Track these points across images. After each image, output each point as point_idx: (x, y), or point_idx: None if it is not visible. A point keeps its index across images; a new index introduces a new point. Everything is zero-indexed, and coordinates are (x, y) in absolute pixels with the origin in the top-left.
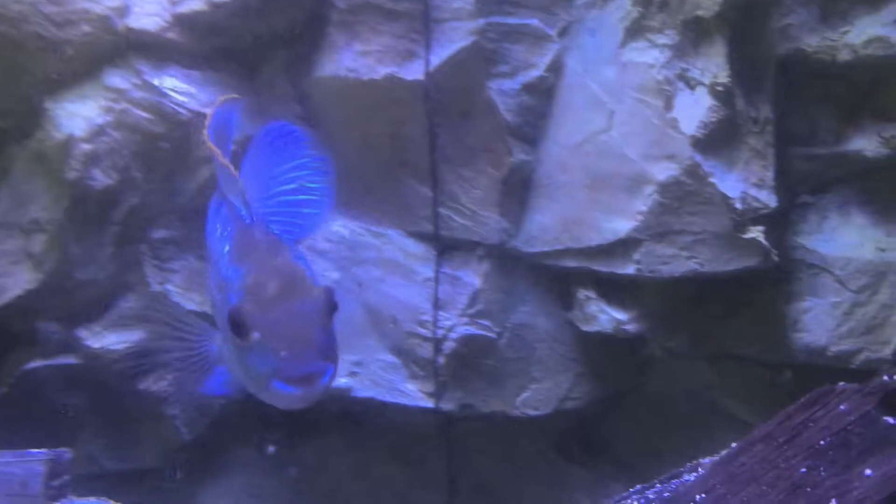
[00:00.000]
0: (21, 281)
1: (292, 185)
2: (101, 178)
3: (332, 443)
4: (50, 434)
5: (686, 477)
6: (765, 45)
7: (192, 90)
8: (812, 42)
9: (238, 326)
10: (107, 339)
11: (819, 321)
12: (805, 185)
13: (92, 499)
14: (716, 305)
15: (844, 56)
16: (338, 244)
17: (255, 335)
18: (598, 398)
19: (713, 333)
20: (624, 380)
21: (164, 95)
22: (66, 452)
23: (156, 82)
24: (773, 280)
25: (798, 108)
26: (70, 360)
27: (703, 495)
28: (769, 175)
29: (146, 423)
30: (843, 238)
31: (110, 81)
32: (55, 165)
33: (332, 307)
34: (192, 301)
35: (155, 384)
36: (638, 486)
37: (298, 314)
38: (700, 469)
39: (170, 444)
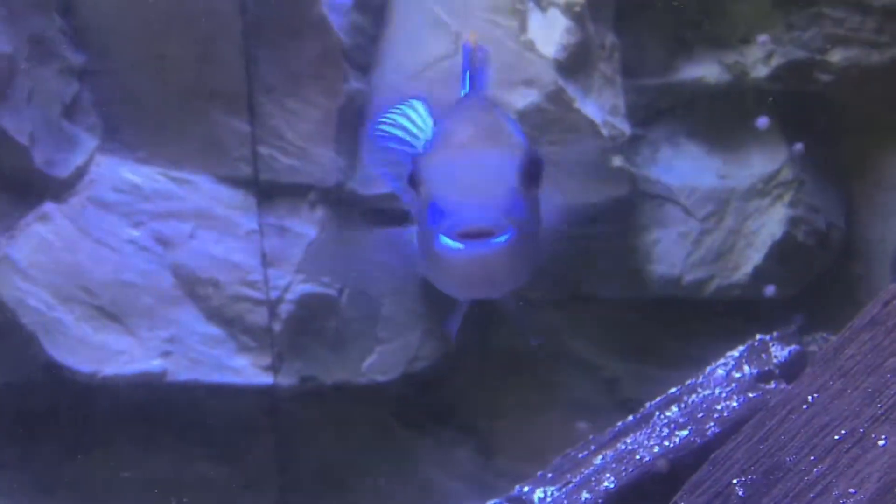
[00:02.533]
0: None
1: None
2: None
3: (128, 447)
4: None
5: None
6: None
7: None
8: None
9: (414, 177)
10: None
11: (670, 252)
12: (635, 117)
13: None
14: (572, 243)
15: None
16: (129, 194)
17: (431, 185)
18: (444, 356)
19: (566, 274)
20: (468, 334)
21: None
22: None
23: None
24: (623, 213)
25: (628, 38)
26: None
27: (817, 394)
28: (621, 102)
29: None
30: (682, 168)
31: None
32: None
33: (532, 167)
34: None
35: None
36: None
37: (483, 165)
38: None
39: None
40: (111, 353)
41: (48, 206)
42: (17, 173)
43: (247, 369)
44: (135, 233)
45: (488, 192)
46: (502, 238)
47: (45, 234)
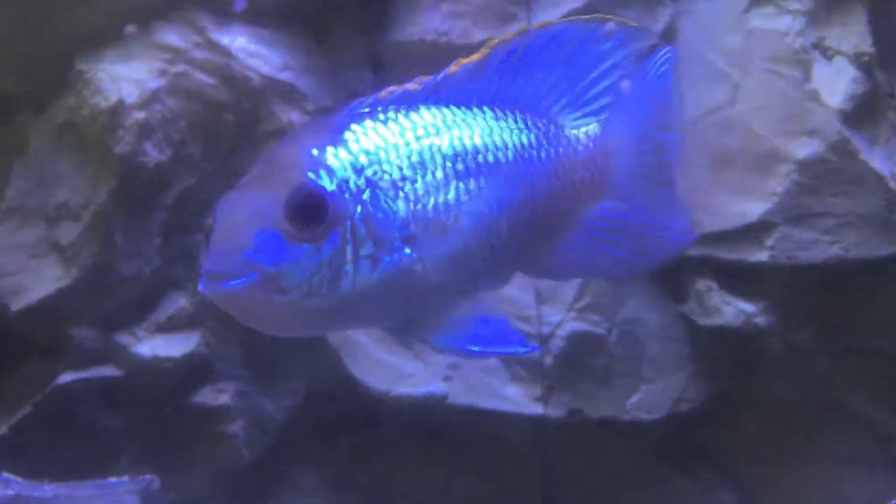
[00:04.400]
0: (46, 278)
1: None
2: (153, 154)
3: (409, 459)
4: (79, 461)
5: None
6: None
7: (262, 51)
8: None
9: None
10: (156, 346)
11: None
12: None
13: None
14: (851, 294)
15: None
16: None
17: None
18: (709, 399)
19: (843, 325)
20: (734, 379)
21: (233, 57)
22: (155, 480)
23: (224, 42)
24: None
25: None
26: (108, 371)
27: None
28: None
29: (200, 445)
30: None
31: (165, 39)
32: (94, 138)
33: (305, 209)
34: None
35: (214, 398)
36: None
37: (237, 210)
38: None
39: (228, 467)
40: (402, 375)
41: None
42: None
43: (518, 398)
44: None
45: (231, 238)
46: (235, 282)
47: None
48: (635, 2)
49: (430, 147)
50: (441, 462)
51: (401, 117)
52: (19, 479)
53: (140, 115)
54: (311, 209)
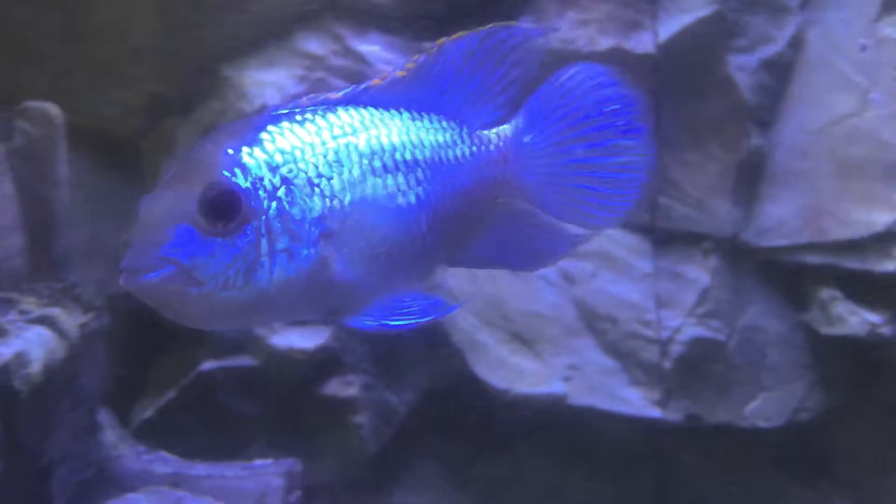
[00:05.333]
0: None
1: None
2: None
3: (525, 456)
4: (217, 443)
5: None
6: None
7: (395, 59)
8: None
9: None
10: (291, 338)
11: None
12: None
13: None
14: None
15: None
16: None
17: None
18: (829, 409)
19: None
20: (855, 389)
21: (368, 64)
22: (297, 464)
23: (361, 49)
24: None
25: None
26: (246, 361)
27: None
28: None
29: (327, 434)
30: None
31: (306, 47)
32: None
33: (218, 206)
34: None
35: (342, 390)
36: None
37: (154, 206)
38: None
39: (353, 456)
40: (522, 374)
41: None
42: None
43: (637, 401)
44: (545, 269)
45: (149, 233)
46: (152, 275)
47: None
48: (762, 10)
49: (347, 145)
50: (556, 460)
51: (318, 118)
52: (176, 458)
53: None
54: (223, 205)
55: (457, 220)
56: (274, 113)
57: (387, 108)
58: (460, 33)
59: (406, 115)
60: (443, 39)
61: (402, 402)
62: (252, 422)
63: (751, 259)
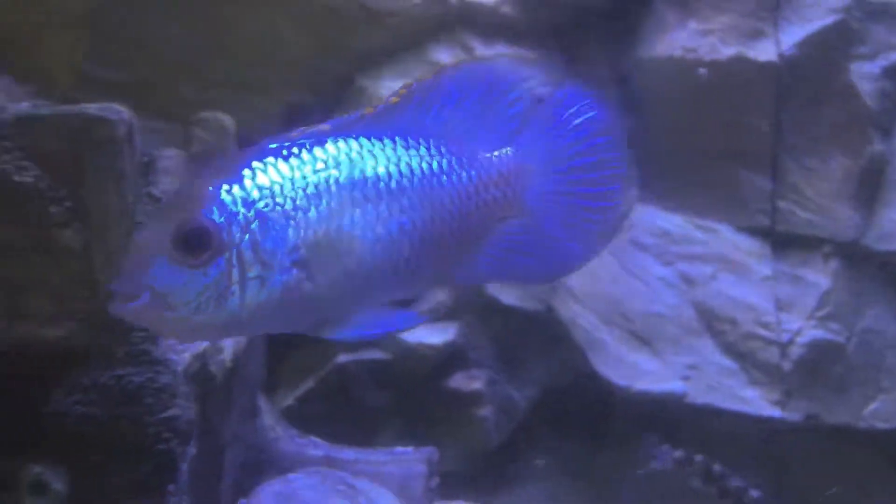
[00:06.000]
0: None
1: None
2: None
3: (637, 452)
4: (349, 431)
5: None
6: None
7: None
8: None
9: None
10: (420, 334)
11: None
12: None
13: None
14: None
15: None
16: (660, 238)
17: None
18: None
19: None
20: None
21: None
22: (435, 452)
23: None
24: None
25: None
26: (377, 354)
27: None
28: None
29: (453, 426)
30: None
31: (437, 57)
32: None
33: (192, 239)
34: (509, 296)
35: (467, 384)
36: None
37: (137, 237)
38: None
39: (477, 448)
40: (642, 372)
41: None
42: None
43: (756, 401)
44: (664, 271)
45: (132, 263)
46: (134, 303)
47: (593, 267)
48: (885, 18)
49: (327, 178)
50: (671, 458)
51: (303, 153)
52: (325, 443)
53: None
54: (194, 239)
55: (450, 241)
56: (265, 147)
57: (381, 138)
58: (462, 60)
59: (399, 143)
60: (444, 66)
61: (523, 397)
62: (382, 412)
63: (870, 263)
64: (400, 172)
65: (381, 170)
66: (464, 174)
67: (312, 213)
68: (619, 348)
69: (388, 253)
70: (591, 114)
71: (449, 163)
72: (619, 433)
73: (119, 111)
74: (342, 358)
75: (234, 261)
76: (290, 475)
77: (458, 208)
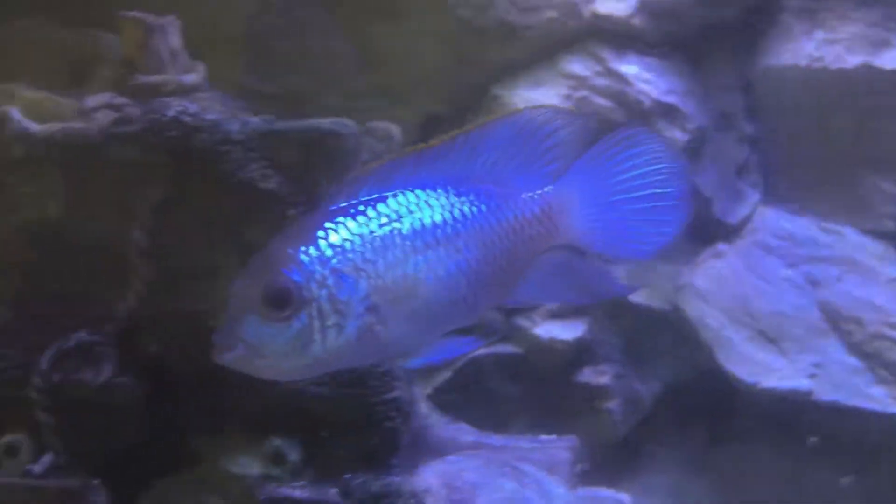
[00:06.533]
0: None
1: (639, 193)
2: None
3: (764, 448)
4: (482, 421)
5: None
6: None
7: (652, 78)
8: None
9: None
10: (552, 330)
11: None
12: None
13: (602, 489)
14: None
15: None
16: (785, 240)
17: None
18: None
19: None
20: None
21: (628, 83)
22: (577, 440)
23: (622, 70)
24: None
25: None
26: (510, 348)
27: None
28: None
29: (582, 418)
30: None
31: (570, 68)
32: None
33: (276, 296)
34: (637, 295)
35: (596, 378)
36: None
37: (233, 294)
38: None
39: (604, 440)
40: (768, 370)
41: (721, 247)
42: (698, 219)
43: (883, 398)
44: (789, 272)
45: (230, 318)
46: (231, 353)
47: (719, 268)
48: None
49: (392, 231)
50: (792, 453)
51: (368, 210)
52: (474, 429)
53: None
54: (279, 298)
55: (500, 274)
56: (335, 209)
57: (434, 188)
58: (512, 110)
59: (451, 191)
60: (490, 117)
61: (649, 392)
62: (514, 404)
63: None
64: (454, 218)
65: (438, 217)
66: (509, 214)
67: (380, 263)
68: (746, 346)
69: (448, 291)
70: (638, 149)
71: (496, 205)
72: (741, 430)
73: (347, 125)
74: (478, 352)
75: (315, 313)
76: (450, 457)
77: (505, 245)
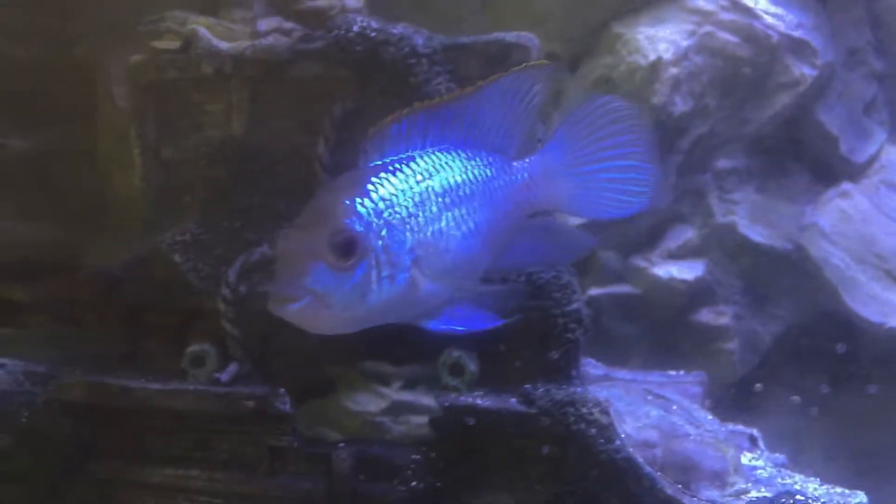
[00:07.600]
0: None
1: (616, 163)
2: (680, 105)
3: (886, 391)
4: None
5: None
6: None
7: (780, 12)
8: None
9: None
10: (671, 269)
11: None
12: None
13: (729, 424)
14: None
15: None
16: None
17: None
18: None
19: None
20: None
21: (756, 17)
22: (704, 375)
23: (749, 3)
24: None
25: None
26: (626, 288)
27: None
28: None
29: (699, 358)
30: None
31: (695, 3)
32: (629, 91)
33: (341, 246)
34: (759, 234)
35: (715, 319)
36: None
37: (291, 247)
38: None
39: (721, 380)
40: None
41: (846, 186)
42: (824, 157)
43: None
44: None
45: (291, 269)
46: (298, 304)
47: (844, 207)
48: None
49: (427, 188)
50: None
51: (404, 167)
52: (602, 364)
53: (674, 71)
54: (346, 247)
55: (499, 236)
56: (374, 166)
57: (448, 151)
58: (498, 75)
59: (463, 155)
60: (480, 83)
61: (768, 333)
62: (631, 343)
63: None
64: (469, 180)
65: (459, 178)
66: (503, 179)
67: (421, 218)
68: (872, 286)
69: (468, 249)
70: (609, 117)
71: (497, 171)
72: (864, 371)
73: (531, 38)
74: (593, 291)
75: (374, 262)
76: (591, 387)
77: (505, 208)
